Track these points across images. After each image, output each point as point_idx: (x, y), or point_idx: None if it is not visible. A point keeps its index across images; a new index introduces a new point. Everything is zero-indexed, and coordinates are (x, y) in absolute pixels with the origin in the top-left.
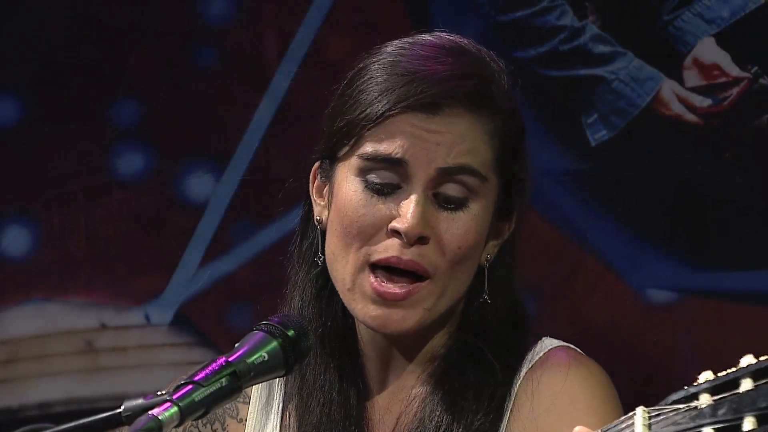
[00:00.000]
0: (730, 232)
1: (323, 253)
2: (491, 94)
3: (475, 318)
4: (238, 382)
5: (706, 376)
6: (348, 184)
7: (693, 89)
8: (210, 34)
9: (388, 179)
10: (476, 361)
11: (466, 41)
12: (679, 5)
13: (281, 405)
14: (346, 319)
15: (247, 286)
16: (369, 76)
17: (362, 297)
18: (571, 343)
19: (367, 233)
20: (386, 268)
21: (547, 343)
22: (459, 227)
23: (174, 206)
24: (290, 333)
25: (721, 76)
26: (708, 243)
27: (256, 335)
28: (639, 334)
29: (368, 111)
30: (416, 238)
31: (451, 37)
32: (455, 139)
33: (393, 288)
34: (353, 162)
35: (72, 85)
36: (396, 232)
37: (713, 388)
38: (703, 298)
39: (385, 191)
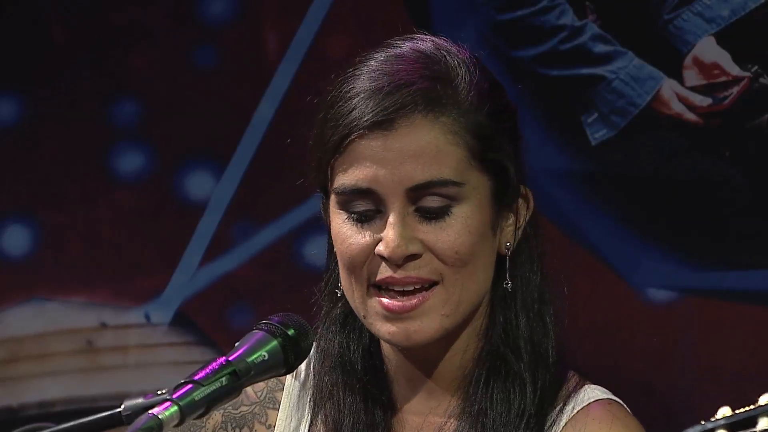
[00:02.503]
0: (730, 231)
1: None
2: (448, 92)
3: (499, 313)
4: (238, 381)
5: (723, 411)
6: (335, 217)
7: (693, 88)
8: (210, 33)
9: (365, 207)
10: (504, 373)
11: (425, 44)
12: (680, 4)
13: (310, 416)
14: (372, 342)
15: (247, 285)
16: (332, 102)
17: (377, 318)
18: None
19: (359, 261)
20: (389, 289)
21: (590, 394)
22: (449, 234)
23: (174, 205)
24: (290, 332)
25: (721, 76)
26: (708, 242)
27: (256, 334)
28: (639, 334)
29: (331, 141)
30: (403, 259)
31: (407, 41)
32: (417, 152)
33: (403, 300)
34: (333, 197)
35: (71, 84)
36: (383, 257)
37: (730, 425)
38: (703, 297)
39: (366, 219)
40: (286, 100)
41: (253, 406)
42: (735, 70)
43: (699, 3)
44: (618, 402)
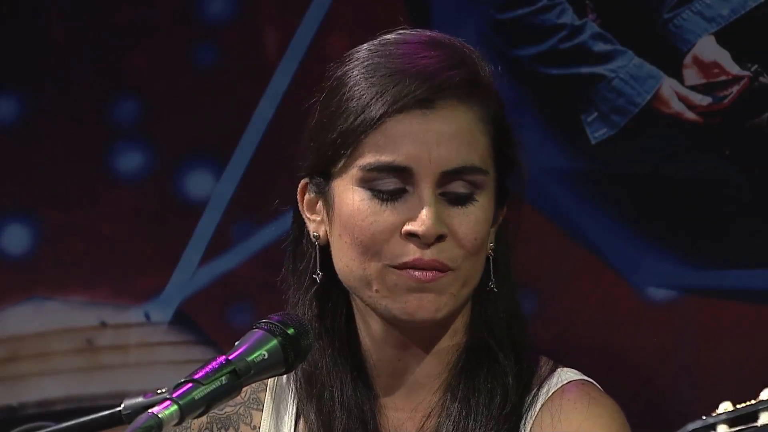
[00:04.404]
0: (730, 230)
1: (322, 270)
2: (479, 81)
3: (482, 311)
4: (238, 380)
5: (725, 406)
6: (352, 194)
7: (693, 87)
8: (210, 31)
9: (393, 185)
10: (487, 365)
11: (436, 33)
12: (679, 3)
13: (294, 415)
14: (350, 334)
15: (247, 284)
16: (353, 83)
17: (396, 291)
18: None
19: (380, 240)
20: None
21: (564, 377)
22: (471, 220)
23: (174, 204)
24: (290, 331)
25: (721, 75)
26: (708, 241)
27: (256, 333)
28: (639, 333)
29: (363, 117)
30: (434, 238)
31: (419, 32)
32: (454, 135)
33: (423, 273)
34: (354, 173)
35: (71, 83)
36: (412, 235)
37: (731, 420)
38: (703, 296)
39: (393, 197)
40: (285, 99)
41: (238, 407)
42: (735, 69)
43: (699, 2)
44: (592, 382)
